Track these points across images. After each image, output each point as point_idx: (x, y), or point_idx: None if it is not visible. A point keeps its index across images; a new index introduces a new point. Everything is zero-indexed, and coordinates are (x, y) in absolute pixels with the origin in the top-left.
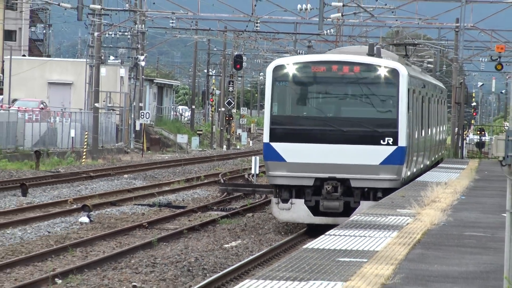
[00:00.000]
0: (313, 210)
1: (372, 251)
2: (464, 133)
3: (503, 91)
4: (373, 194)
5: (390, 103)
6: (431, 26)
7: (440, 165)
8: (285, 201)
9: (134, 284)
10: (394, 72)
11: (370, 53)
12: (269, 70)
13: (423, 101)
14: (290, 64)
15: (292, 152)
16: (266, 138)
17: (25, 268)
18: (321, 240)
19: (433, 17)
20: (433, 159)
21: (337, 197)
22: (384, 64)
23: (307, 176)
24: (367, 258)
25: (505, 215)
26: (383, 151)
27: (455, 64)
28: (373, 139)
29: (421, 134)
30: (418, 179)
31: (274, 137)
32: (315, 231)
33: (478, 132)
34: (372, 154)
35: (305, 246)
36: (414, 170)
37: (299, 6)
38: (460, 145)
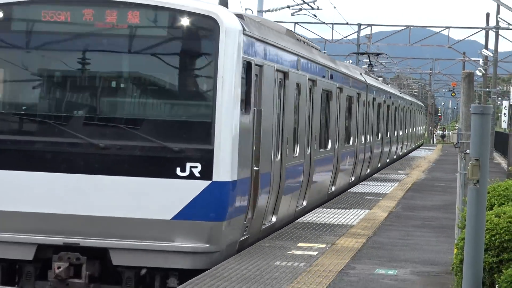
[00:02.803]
0: None
1: (384, 193)
2: (434, 129)
3: (455, 107)
4: (161, 281)
5: (202, 89)
6: (416, 72)
7: (421, 147)
8: None
9: None
10: (208, 24)
11: None
12: None
13: (329, 97)
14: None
15: None
16: None
17: None
18: (357, 187)
19: (418, 67)
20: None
21: (81, 287)
22: (191, 8)
23: (23, 242)
24: (381, 197)
25: (457, 174)
26: (181, 191)
27: (430, 92)
28: (162, 166)
29: (323, 147)
30: (409, 155)
31: None
32: None
33: (442, 129)
34: (158, 198)
35: (348, 190)
36: (295, 208)
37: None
38: (432, 136)
